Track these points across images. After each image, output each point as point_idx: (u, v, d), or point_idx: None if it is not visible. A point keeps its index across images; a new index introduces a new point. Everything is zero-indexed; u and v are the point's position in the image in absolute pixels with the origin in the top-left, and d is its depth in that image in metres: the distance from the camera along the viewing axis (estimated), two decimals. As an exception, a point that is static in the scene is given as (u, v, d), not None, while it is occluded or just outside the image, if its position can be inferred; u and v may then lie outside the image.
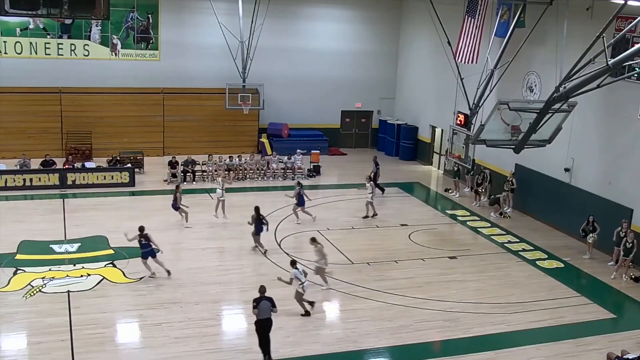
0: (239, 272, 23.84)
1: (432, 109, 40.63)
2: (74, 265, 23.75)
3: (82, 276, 22.85)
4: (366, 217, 30.21)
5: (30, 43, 38.07)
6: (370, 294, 22.38)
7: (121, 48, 39.35)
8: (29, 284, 21.97)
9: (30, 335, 18.86)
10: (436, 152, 40.55)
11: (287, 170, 36.36)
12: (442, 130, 39.16)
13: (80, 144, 37.86)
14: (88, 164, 34.68)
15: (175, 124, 39.84)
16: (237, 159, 35.74)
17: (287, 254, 25.39)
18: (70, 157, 35.75)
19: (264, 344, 18.02)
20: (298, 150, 37.33)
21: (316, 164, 37.49)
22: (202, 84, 40.19)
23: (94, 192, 32.09)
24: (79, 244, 25.78)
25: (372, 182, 30.76)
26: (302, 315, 20.80)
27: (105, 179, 33.42)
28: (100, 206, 30.65)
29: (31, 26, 37.90)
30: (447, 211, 32.39)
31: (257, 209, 25.79)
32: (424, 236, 28.48)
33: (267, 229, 26.08)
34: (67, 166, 34.03)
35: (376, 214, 30.35)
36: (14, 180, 32.34)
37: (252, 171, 35.81)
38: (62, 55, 38.53)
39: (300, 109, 42.82)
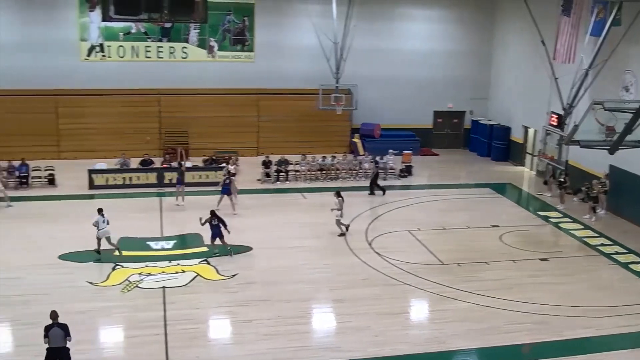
0: (329, 271, 24.00)
1: (524, 110, 40.07)
2: (170, 261, 24.41)
3: (177, 272, 23.44)
4: (341, 234, 27.63)
5: (132, 47, 39.57)
6: (459, 294, 22.26)
7: (218, 50, 40.37)
8: (127, 279, 22.73)
9: (127, 328, 19.53)
10: (529, 152, 39.97)
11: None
12: (535, 130, 38.61)
13: (177, 144, 38.93)
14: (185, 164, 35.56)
15: (269, 124, 40.52)
16: (330, 159, 36.08)
17: (378, 253, 25.51)
18: (167, 156, 36.81)
19: None
20: (390, 151, 37.39)
21: (408, 164, 37.48)
22: (295, 85, 40.73)
23: (190, 190, 32.86)
24: (175, 241, 26.53)
25: (340, 197, 27.61)
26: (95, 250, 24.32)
27: (200, 177, 34.22)
28: (196, 204, 31.38)
29: (133, 30, 39.32)
30: (539, 212, 31.91)
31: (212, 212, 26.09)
32: (515, 237, 28.15)
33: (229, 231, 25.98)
34: (164, 165, 35.03)
35: (343, 233, 27.69)
36: (114, 179, 33.57)
37: (344, 171, 36.07)
38: (161, 57, 39.84)
39: (392, 110, 42.87)
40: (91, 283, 22.36)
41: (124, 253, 25.03)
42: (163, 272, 23.46)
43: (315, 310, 21.33)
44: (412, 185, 35.54)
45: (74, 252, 24.99)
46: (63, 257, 24.64)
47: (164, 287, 22.16)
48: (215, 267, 23.91)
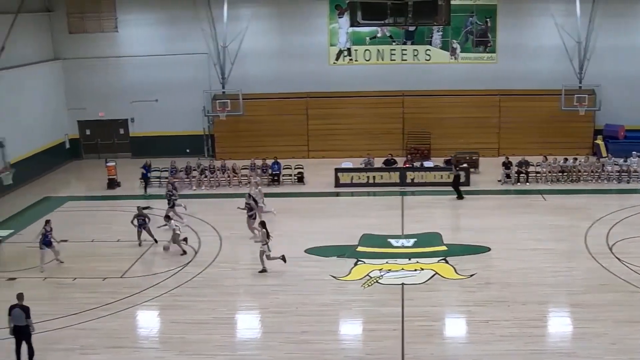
0: (568, 275, 23.48)
1: None
2: (409, 259, 24.95)
3: (415, 270, 23.92)
4: (263, 270, 24.34)
5: (378, 50, 40.96)
6: None
7: (460, 52, 40.68)
8: (368, 274, 23.58)
9: (366, 322, 20.38)
10: None
11: (623, 173, 35.03)
12: None
13: (419, 144, 39.68)
14: (426, 164, 36.30)
15: (510, 125, 40.13)
16: (572, 160, 35.21)
17: (619, 259, 24.53)
18: (410, 156, 37.68)
19: (18, 350, 18.20)
20: (634, 153, 35.64)
21: (652, 166, 35.62)
22: (537, 85, 39.90)
23: (431, 190, 33.40)
24: (415, 240, 27.05)
25: (265, 229, 24.37)
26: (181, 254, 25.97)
27: (442, 178, 34.60)
28: (436, 204, 31.94)
29: (379, 35, 40.68)
30: None
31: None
32: None
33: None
34: (407, 165, 35.91)
35: (265, 269, 24.33)
36: (359, 178, 34.92)
37: (586, 173, 35.02)
38: (405, 60, 40.89)
39: (638, 110, 40.66)
40: (334, 277, 23.54)
41: (366, 249, 26.04)
42: (402, 269, 24.07)
43: (552, 313, 21.00)
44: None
45: (319, 247, 26.44)
46: (309, 250, 26.15)
47: (402, 284, 22.75)
48: (453, 267, 24.17)
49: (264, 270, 24.20)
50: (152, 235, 27.24)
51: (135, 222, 27.13)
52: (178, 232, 26.46)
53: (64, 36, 42.41)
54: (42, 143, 40.00)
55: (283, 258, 24.25)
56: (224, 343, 19.40)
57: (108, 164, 36.67)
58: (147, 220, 27.41)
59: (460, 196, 32.49)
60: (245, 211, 27.90)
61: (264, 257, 24.21)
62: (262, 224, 24.78)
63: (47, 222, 25.51)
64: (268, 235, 24.36)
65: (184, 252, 26.22)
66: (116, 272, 24.67)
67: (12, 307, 18.20)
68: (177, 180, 35.55)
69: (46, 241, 24.92)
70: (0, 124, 31.75)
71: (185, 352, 18.82)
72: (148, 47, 41.97)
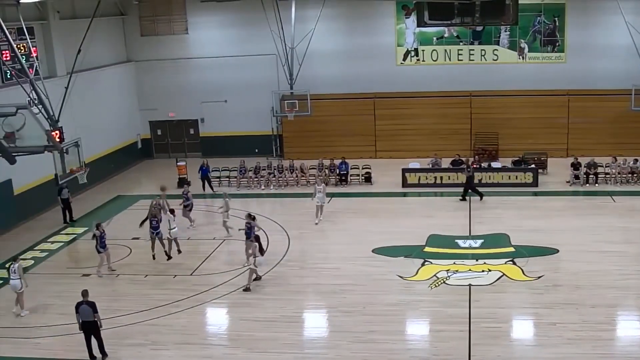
0: (638, 278, 22.99)
1: None
2: (477, 260, 24.96)
3: (483, 271, 23.90)
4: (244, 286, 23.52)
5: (445, 50, 40.90)
6: None
7: (528, 52, 40.30)
8: (435, 275, 23.68)
9: (432, 323, 20.52)
10: None
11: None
12: None
13: (487, 145, 39.49)
14: (494, 164, 36.07)
15: (579, 126, 39.50)
16: (643, 161, 34.65)
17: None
18: (477, 157, 37.51)
19: (89, 344, 18.86)
20: None
21: None
22: (606, 85, 39.16)
23: (499, 191, 33.21)
24: (482, 241, 26.99)
25: (258, 242, 24.81)
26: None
27: (509, 178, 34.46)
28: (504, 205, 31.74)
29: (446, 35, 40.63)
30: None
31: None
32: None
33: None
34: (474, 166, 35.73)
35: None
36: (426, 178, 34.99)
37: (657, 174, 34.42)
38: (472, 60, 40.73)
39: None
40: (401, 277, 23.71)
41: (433, 250, 26.13)
42: (470, 270, 24.10)
43: (621, 317, 20.72)
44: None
45: (386, 247, 26.60)
46: (376, 250, 26.33)
47: (470, 285, 22.79)
48: (521, 268, 24.05)
49: (247, 289, 23.21)
50: (164, 247, 26.62)
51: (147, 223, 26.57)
52: (168, 235, 26.19)
53: (136, 39, 43.60)
54: (115, 143, 41.21)
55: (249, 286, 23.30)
56: (292, 341, 19.79)
57: (179, 164, 37.43)
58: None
59: (464, 198, 32.55)
60: (244, 232, 25.52)
61: (252, 274, 23.54)
62: (257, 238, 25.08)
63: (99, 225, 25.28)
64: (261, 250, 24.65)
65: (169, 257, 26.45)
66: (186, 270, 25.32)
67: (79, 304, 18.89)
68: (244, 180, 36.23)
69: (102, 243, 25.05)
70: (76, 124, 32.67)
71: (253, 350, 19.26)
72: (217, 49, 42.76)
